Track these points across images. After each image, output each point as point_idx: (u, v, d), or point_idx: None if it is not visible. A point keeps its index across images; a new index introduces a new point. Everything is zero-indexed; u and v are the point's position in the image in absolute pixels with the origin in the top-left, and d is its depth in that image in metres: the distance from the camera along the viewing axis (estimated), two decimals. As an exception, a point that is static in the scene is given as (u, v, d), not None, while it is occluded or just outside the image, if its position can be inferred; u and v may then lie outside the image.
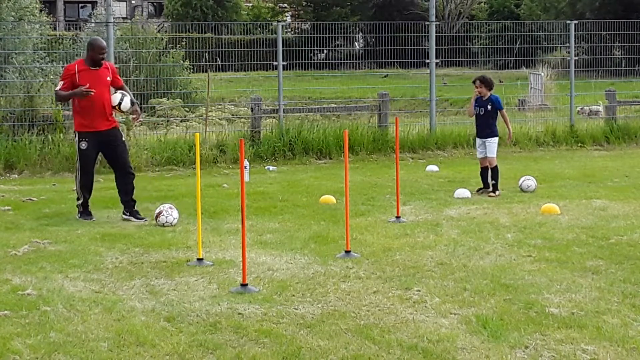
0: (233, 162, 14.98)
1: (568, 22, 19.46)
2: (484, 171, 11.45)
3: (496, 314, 5.79)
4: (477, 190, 11.33)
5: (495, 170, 11.33)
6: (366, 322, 5.65)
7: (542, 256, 7.55)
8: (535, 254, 7.65)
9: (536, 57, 23.19)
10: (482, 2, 55.11)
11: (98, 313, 5.86)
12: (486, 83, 11.40)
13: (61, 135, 14.56)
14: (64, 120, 14.81)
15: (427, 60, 17.70)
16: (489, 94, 11.38)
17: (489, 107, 11.35)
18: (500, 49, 22.56)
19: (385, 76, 24.14)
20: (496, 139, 11.44)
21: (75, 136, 9.93)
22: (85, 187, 9.74)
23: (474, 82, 11.54)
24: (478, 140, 11.55)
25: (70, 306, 6.02)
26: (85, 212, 9.76)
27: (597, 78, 21.72)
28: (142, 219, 9.60)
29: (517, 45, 21.01)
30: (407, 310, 5.93)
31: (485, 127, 11.41)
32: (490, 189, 11.26)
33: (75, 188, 10.04)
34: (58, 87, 9.76)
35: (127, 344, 5.23)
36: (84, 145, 9.63)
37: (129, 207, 9.72)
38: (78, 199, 9.84)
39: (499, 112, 11.44)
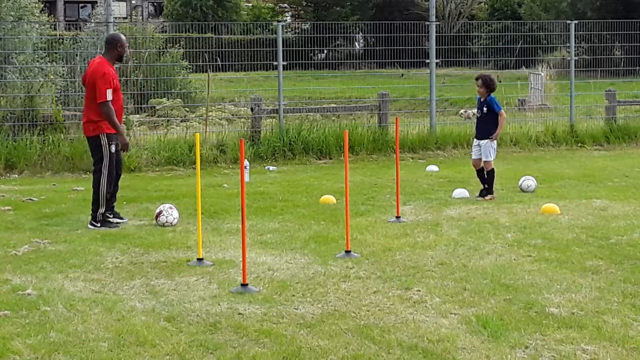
0: (233, 162, 14.98)
1: (568, 22, 19.46)
2: (479, 173, 11.15)
3: (496, 314, 5.79)
4: (480, 193, 11.06)
5: (490, 174, 11.01)
6: (366, 322, 5.65)
7: (542, 256, 7.55)
8: (535, 254, 7.65)
9: (536, 57, 23.18)
10: (482, 2, 55.10)
11: (98, 313, 5.86)
12: (486, 84, 11.05)
13: (62, 135, 14.56)
14: (64, 120, 14.81)
15: (427, 60, 17.70)
16: (486, 96, 11.09)
17: (485, 109, 11.06)
18: (500, 48, 22.58)
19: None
20: (493, 142, 11.08)
21: (102, 139, 9.24)
22: (110, 189, 9.33)
23: (476, 79, 11.18)
24: (475, 141, 11.27)
25: (70, 306, 6.02)
26: (105, 220, 9.29)
27: (597, 78, 21.72)
28: (124, 219, 9.49)
29: (518, 45, 21.01)
30: (407, 310, 5.93)
31: (482, 128, 11.12)
32: (485, 191, 10.97)
33: (101, 196, 9.24)
34: (110, 97, 9.11)
35: (127, 344, 5.23)
36: (114, 148, 9.33)
37: (110, 208, 9.46)
38: (100, 207, 9.22)
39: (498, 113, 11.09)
